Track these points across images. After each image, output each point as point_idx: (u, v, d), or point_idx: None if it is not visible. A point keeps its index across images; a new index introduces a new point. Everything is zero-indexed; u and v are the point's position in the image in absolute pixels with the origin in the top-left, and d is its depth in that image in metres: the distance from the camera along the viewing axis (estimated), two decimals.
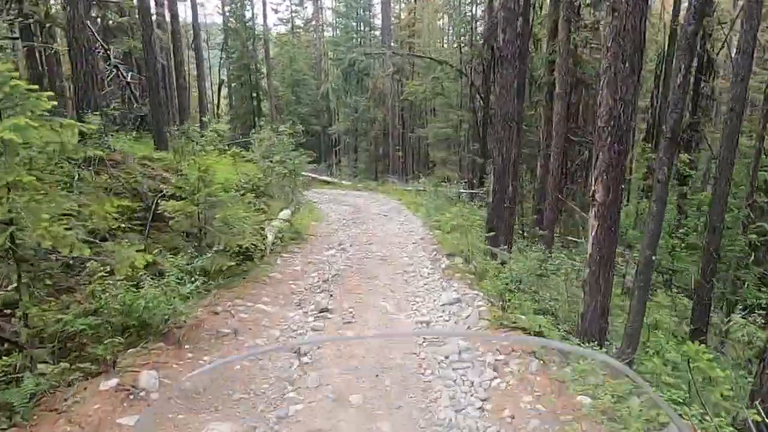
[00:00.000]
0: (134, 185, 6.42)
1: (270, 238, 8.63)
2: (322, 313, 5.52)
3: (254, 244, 6.96)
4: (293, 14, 41.96)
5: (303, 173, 26.46)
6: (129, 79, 11.40)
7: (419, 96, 22.93)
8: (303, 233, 10.89)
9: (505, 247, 8.07)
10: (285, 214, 11.85)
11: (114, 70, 10.88)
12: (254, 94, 34.55)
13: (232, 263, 5.83)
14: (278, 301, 6.04)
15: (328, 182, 25.68)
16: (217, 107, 30.05)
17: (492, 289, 5.76)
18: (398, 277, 7.49)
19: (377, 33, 30.95)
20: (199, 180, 5.91)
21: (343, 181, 25.15)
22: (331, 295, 6.27)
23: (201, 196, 5.81)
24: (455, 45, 22.43)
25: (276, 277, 7.05)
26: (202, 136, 11.68)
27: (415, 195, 18.84)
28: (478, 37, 20.51)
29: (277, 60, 36.42)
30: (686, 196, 13.33)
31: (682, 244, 11.09)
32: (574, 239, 12.98)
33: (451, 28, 35.09)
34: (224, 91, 39.69)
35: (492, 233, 7.88)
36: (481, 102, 19.79)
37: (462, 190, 13.88)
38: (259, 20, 35.01)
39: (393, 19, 34.70)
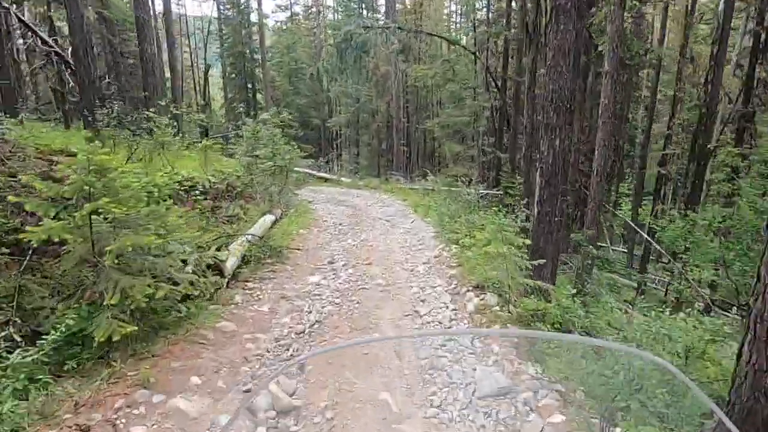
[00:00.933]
0: None
1: (231, 262, 6.34)
2: (279, 421, 3.23)
3: (192, 282, 4.66)
4: (292, 0, 39.58)
5: (299, 169, 24.23)
6: (56, 49, 9.02)
7: (427, 81, 20.55)
8: (285, 247, 8.60)
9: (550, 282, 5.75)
10: (265, 221, 9.56)
11: (30, 38, 8.52)
12: (249, 84, 32.23)
13: (132, 326, 3.51)
14: (214, 384, 3.75)
15: (326, 179, 23.40)
16: (204, 95, 27.65)
17: (566, 371, 3.45)
18: (407, 324, 5.20)
19: (380, 16, 28.47)
20: (87, 186, 3.60)
21: (343, 178, 22.84)
22: (302, 370, 3.95)
23: (83, 215, 3.52)
24: (469, 24, 19.98)
25: (225, 330, 4.76)
26: (155, 123, 9.34)
27: (422, 195, 16.51)
28: (494, 14, 18.10)
29: (274, 48, 34.05)
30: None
31: None
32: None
33: (461, 14, 32.62)
34: (222, 82, 37.42)
35: (538, 261, 5.53)
36: (497, 88, 17.38)
37: (482, 191, 11.53)
38: (255, 4, 32.65)
39: (398, 5, 32.24)
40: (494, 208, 7.62)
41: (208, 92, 23.33)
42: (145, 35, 12.15)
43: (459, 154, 18.33)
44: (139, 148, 8.59)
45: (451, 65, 18.39)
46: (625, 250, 17.23)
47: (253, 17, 32.56)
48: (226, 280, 6.02)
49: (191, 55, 35.97)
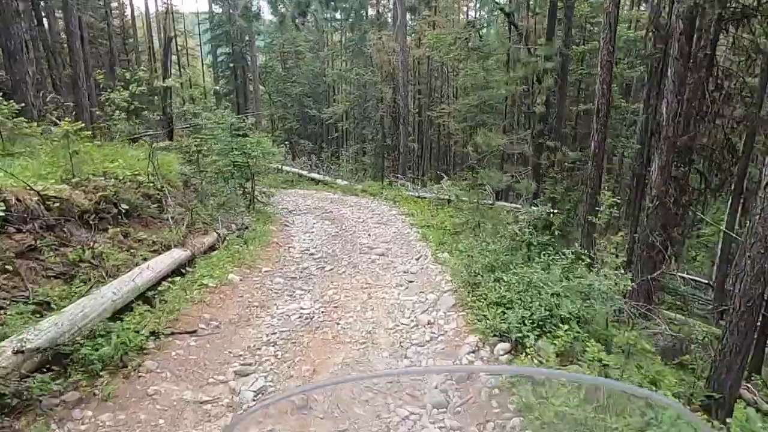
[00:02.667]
0: None
1: None
2: None
3: None
4: None
5: (289, 169, 19.93)
6: None
7: (443, 51, 16.18)
8: (158, 333, 4.31)
9: None
10: (143, 273, 5.22)
11: None
12: (238, 70, 28.07)
13: None
14: None
15: (318, 181, 19.16)
16: (164, 75, 23.36)
17: None
18: None
19: None
20: None
21: (339, 180, 18.53)
22: None
23: None
24: None
25: None
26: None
27: (434, 209, 12.14)
28: None
29: (265, 26, 29.82)
30: None
31: None
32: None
33: None
34: (215, 75, 33.35)
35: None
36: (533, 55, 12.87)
37: (534, 210, 7.04)
38: None
39: None
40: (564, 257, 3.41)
41: (170, 71, 19.33)
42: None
43: (495, 151, 13.71)
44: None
45: (477, 29, 13.97)
46: None
47: None
48: None
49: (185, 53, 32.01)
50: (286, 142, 22.90)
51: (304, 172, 19.80)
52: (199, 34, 36.56)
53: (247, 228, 9.66)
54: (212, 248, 7.60)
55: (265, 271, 7.10)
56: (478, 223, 8.14)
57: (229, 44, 27.19)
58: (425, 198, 13.43)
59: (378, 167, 22.62)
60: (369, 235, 9.70)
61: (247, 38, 26.60)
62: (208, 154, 11.04)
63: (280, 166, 20.16)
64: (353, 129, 23.82)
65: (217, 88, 28.08)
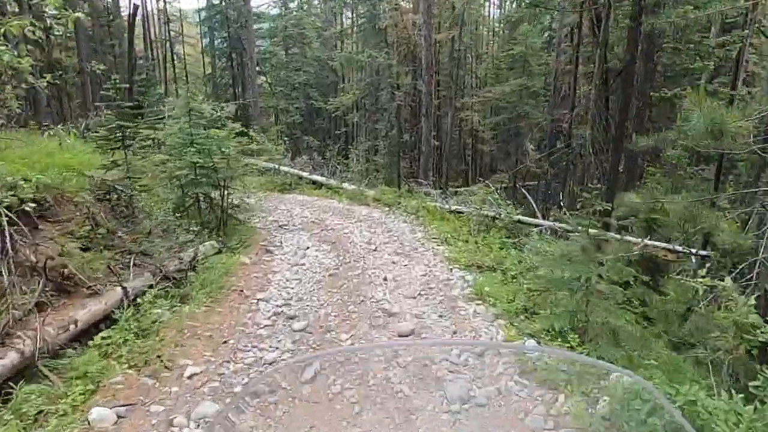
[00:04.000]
0: None
1: None
2: None
3: None
4: None
5: (287, 170, 16.54)
6: None
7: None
8: None
9: None
10: None
11: None
12: (235, 57, 24.76)
13: None
14: None
15: (321, 185, 15.80)
16: (130, 56, 20.09)
17: None
18: None
19: None
20: None
21: (345, 184, 15.07)
22: None
23: None
24: None
25: None
26: None
27: (475, 230, 8.60)
28: None
29: (267, 7, 26.50)
30: None
31: None
32: None
33: None
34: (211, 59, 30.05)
35: None
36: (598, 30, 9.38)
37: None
38: None
39: None
40: None
41: (134, 50, 15.89)
42: None
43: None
44: None
45: None
46: None
47: None
48: None
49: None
50: (286, 139, 19.49)
51: (305, 174, 16.39)
52: (199, 22, 33.37)
53: (198, 264, 6.28)
54: (106, 319, 4.22)
55: (185, 387, 3.64)
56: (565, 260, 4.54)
57: (225, 27, 23.89)
58: (458, 213, 9.92)
59: (393, 169, 19.14)
60: (385, 280, 6.23)
61: (244, 20, 23.24)
62: (151, 151, 7.70)
63: (276, 166, 16.83)
64: (364, 123, 20.35)
65: (212, 75, 24.82)
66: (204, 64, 32.69)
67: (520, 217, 8.51)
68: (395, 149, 19.19)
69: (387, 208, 11.75)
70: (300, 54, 26.11)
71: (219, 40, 25.42)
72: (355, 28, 23.07)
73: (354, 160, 18.67)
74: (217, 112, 9.15)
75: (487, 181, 11.15)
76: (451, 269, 6.36)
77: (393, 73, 17.50)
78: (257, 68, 22.58)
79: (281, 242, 9.09)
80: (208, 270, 6.25)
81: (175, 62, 29.52)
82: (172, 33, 30.73)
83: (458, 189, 15.00)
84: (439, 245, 7.82)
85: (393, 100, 17.20)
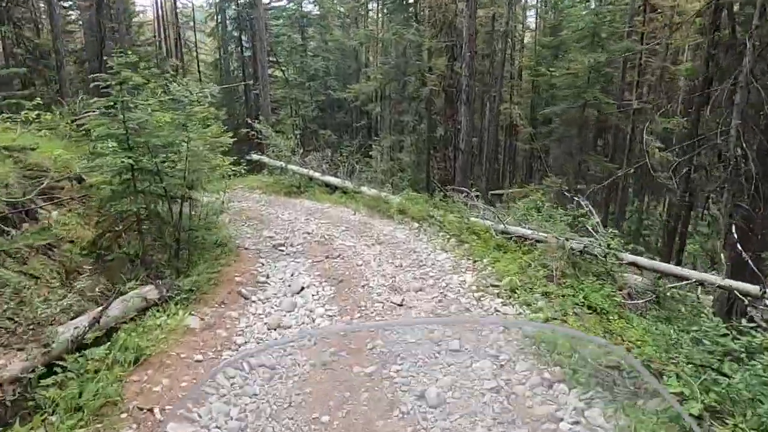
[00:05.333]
0: None
1: None
2: None
3: None
4: None
5: (295, 169, 13.84)
6: None
7: None
8: None
9: None
10: None
11: None
12: (243, 35, 22.13)
13: None
14: None
15: (335, 188, 13.03)
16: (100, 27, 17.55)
17: None
18: None
19: None
20: None
21: (364, 188, 12.15)
22: None
23: None
24: None
25: None
26: None
27: (554, 271, 5.53)
28: None
29: None
30: None
31: None
32: None
33: None
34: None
35: None
36: None
37: None
38: None
39: None
40: None
41: (103, 15, 13.06)
42: None
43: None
44: None
45: None
46: None
47: None
48: None
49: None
50: (297, 132, 16.65)
51: (317, 175, 13.53)
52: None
53: (94, 342, 3.47)
54: None
55: None
56: None
57: (235, 1, 21.24)
58: (526, 240, 6.83)
59: (421, 169, 16.13)
60: (420, 398, 3.26)
61: None
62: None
63: (284, 165, 14.17)
64: (388, 115, 17.36)
65: (219, 60, 22.27)
66: (219, 50, 30.24)
67: (652, 263, 5.41)
68: (424, 146, 16.16)
69: (416, 225, 8.80)
70: (319, 38, 23.31)
71: (229, 20, 22.83)
72: (379, 2, 20.09)
73: (377, 158, 15.73)
74: (192, 93, 6.37)
75: (560, 188, 8.08)
76: (551, 384, 3.33)
77: (423, 54, 14.46)
78: (268, 53, 19.82)
79: (267, 277, 6.35)
80: (103, 358, 3.42)
81: (189, 49, 27.12)
82: (183, 18, 28.38)
83: (499, 194, 11.92)
84: (504, 303, 4.81)
85: (423, 85, 14.14)
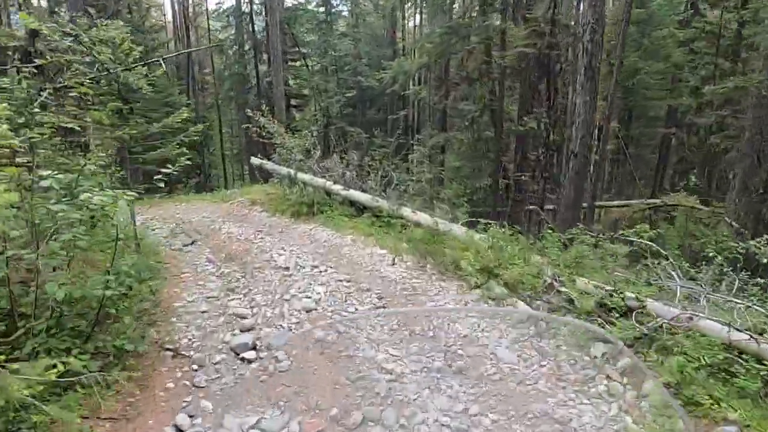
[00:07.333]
0: None
1: None
2: None
3: None
4: None
5: (307, 179, 9.56)
6: None
7: None
8: None
9: None
10: None
11: None
12: (252, 27, 18.16)
13: None
14: None
15: (362, 208, 8.64)
16: None
17: None
18: None
19: None
20: None
21: (406, 210, 7.68)
22: None
23: None
24: None
25: None
26: None
27: None
28: None
29: None
30: None
31: None
32: None
33: None
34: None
35: None
36: None
37: None
38: None
39: None
40: None
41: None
42: None
43: None
44: None
45: None
46: None
47: None
48: None
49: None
50: (314, 129, 12.32)
51: (337, 188, 9.07)
52: None
53: None
54: None
55: None
56: None
57: None
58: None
59: (480, 179, 11.53)
60: None
61: None
62: None
63: (291, 173, 10.07)
64: (436, 104, 12.85)
65: (224, 41, 18.34)
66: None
67: None
68: (486, 146, 11.54)
69: (513, 296, 4.36)
70: (348, 15, 19.08)
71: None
72: None
73: (421, 163, 11.30)
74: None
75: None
76: None
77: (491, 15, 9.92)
78: (284, 30, 15.70)
79: None
80: None
81: (198, 33, 23.45)
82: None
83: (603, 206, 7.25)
84: None
85: (490, 61, 9.56)
